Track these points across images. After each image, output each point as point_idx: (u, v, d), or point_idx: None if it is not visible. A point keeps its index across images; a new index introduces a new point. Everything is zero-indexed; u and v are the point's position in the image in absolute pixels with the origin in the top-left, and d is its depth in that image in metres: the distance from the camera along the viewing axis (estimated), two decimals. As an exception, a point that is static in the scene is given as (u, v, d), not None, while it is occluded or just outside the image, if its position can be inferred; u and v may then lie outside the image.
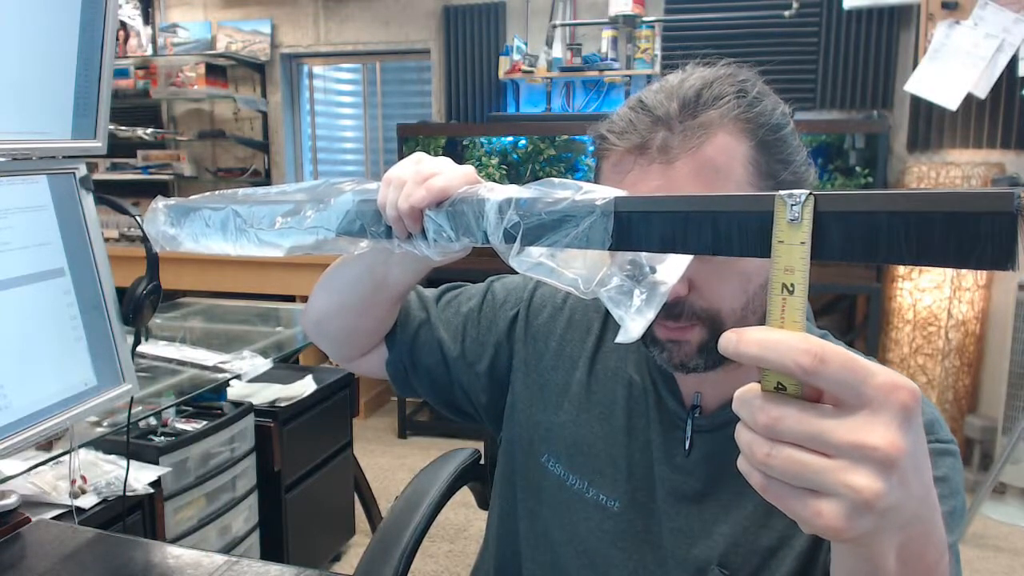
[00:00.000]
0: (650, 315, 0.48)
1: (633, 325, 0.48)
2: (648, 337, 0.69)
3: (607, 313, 0.84)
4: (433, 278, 1.22)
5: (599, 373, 0.81)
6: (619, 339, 0.49)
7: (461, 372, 0.87)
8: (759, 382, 0.39)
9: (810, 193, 0.38)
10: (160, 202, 0.71)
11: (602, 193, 0.48)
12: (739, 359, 0.38)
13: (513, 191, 0.54)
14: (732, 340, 0.38)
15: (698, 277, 0.64)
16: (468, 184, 0.58)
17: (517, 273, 0.83)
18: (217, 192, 0.69)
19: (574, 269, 0.51)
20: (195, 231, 0.68)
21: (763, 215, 0.40)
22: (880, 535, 0.39)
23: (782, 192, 0.39)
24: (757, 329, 0.38)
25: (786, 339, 0.37)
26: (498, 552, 0.90)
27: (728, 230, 0.42)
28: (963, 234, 0.35)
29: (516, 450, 0.86)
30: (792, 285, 0.38)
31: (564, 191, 0.51)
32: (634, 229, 0.46)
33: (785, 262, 0.38)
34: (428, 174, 0.60)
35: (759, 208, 0.40)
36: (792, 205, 0.38)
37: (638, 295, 0.49)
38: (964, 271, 3.01)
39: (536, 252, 0.52)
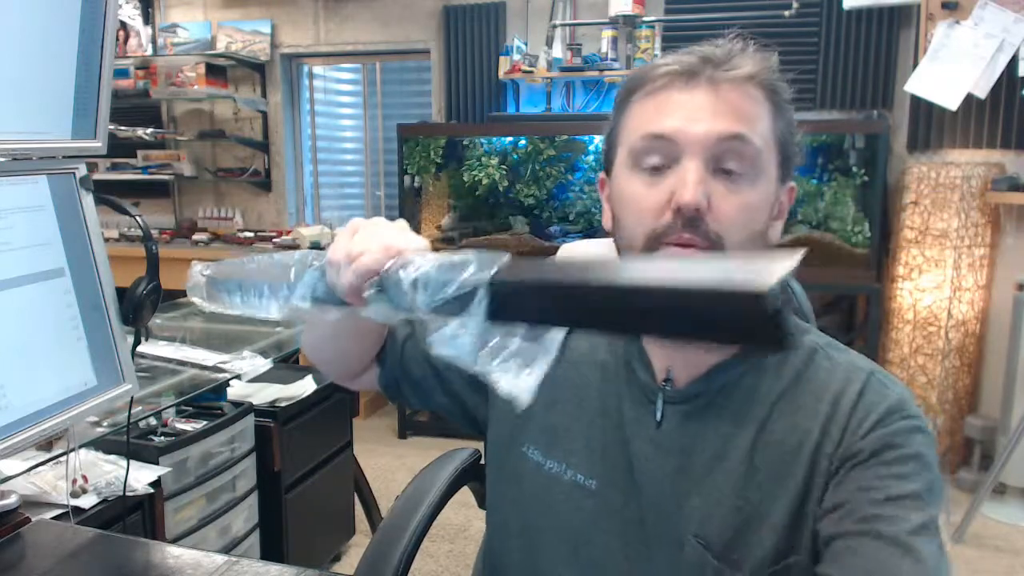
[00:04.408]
0: (536, 374, 0.52)
1: (522, 392, 0.52)
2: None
3: None
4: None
5: (571, 358, 0.83)
6: (519, 402, 0.52)
7: (449, 379, 0.91)
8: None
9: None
10: (198, 269, 0.80)
11: (487, 272, 0.52)
12: None
13: (426, 263, 0.57)
14: None
15: (715, 198, 0.69)
16: (389, 257, 0.60)
17: None
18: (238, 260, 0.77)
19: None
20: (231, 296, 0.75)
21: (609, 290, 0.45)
22: None
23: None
24: None
25: None
26: (490, 548, 0.92)
27: (597, 306, 0.46)
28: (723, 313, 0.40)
29: (499, 446, 0.88)
30: None
31: (462, 266, 0.54)
32: (509, 305, 0.51)
33: None
34: (356, 254, 0.61)
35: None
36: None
37: (519, 365, 0.52)
38: (964, 272, 3.02)
39: (451, 330, 0.54)
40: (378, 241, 0.61)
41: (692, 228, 0.68)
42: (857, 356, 0.77)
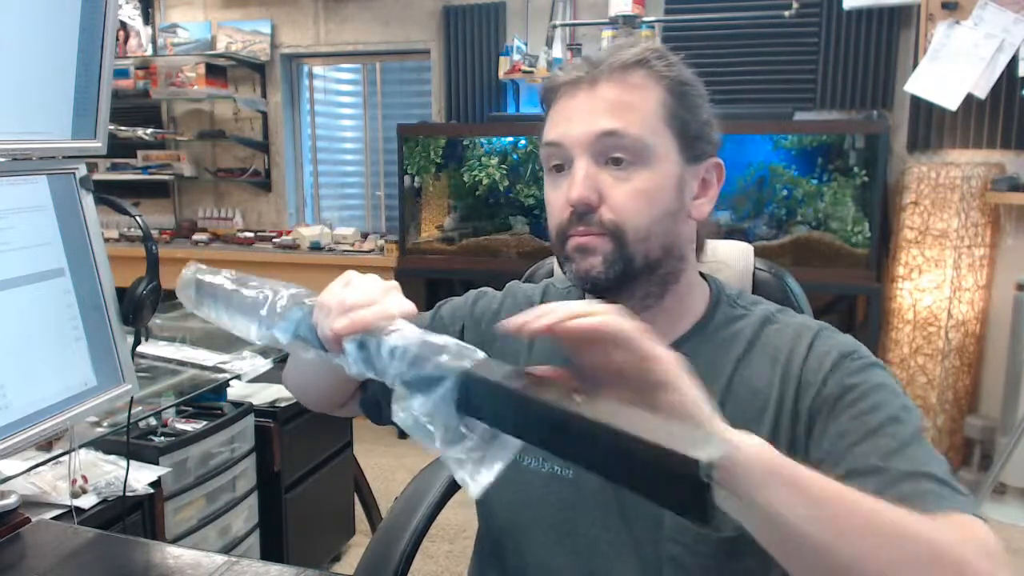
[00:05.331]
0: (494, 470, 0.54)
1: (474, 485, 0.54)
2: (563, 254, 0.78)
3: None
4: (428, 279, 1.25)
5: (538, 356, 0.85)
6: (470, 494, 0.55)
7: None
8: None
9: None
10: (193, 267, 0.79)
11: (461, 363, 0.54)
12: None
13: (408, 336, 0.58)
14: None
15: (605, 189, 0.75)
16: (383, 318, 0.62)
17: (463, 295, 0.93)
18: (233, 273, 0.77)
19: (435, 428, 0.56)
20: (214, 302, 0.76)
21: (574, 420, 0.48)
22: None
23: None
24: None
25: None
26: (481, 547, 0.93)
27: (556, 433, 0.49)
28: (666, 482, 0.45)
29: None
30: None
31: (440, 351, 0.56)
32: (474, 401, 0.53)
33: None
34: (350, 305, 0.63)
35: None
36: None
37: (477, 460, 0.54)
38: (964, 272, 3.02)
39: (416, 406, 0.55)
40: (372, 299, 0.63)
41: (585, 221, 0.75)
42: (808, 318, 0.81)
